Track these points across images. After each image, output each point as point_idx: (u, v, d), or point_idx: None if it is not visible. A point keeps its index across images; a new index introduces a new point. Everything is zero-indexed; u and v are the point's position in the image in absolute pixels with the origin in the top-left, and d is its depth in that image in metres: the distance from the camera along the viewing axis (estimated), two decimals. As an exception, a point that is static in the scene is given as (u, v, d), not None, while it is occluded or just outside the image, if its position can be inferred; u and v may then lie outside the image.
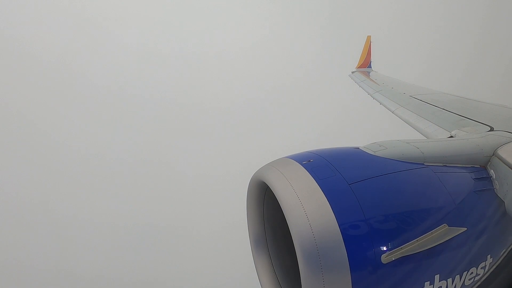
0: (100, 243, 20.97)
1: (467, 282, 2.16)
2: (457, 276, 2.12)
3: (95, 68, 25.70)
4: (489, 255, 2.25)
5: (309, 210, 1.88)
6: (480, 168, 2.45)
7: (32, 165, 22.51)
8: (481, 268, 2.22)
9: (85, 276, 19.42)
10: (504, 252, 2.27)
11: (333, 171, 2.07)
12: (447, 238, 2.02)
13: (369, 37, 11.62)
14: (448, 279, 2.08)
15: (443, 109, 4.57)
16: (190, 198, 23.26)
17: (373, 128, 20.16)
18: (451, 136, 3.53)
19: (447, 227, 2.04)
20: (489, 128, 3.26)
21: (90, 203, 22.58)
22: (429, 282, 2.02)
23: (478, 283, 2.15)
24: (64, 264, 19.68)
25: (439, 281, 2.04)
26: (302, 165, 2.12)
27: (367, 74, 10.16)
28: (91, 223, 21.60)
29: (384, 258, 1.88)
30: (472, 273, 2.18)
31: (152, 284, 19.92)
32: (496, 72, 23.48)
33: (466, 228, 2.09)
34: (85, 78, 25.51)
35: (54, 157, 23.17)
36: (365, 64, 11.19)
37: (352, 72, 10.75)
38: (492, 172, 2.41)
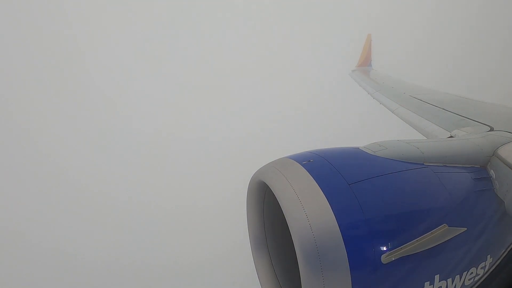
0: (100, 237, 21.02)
1: (467, 282, 2.17)
2: (457, 276, 2.12)
3: (93, 68, 25.82)
4: (489, 255, 2.25)
5: (309, 210, 1.88)
6: (480, 168, 2.44)
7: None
8: (481, 268, 2.22)
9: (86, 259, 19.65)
10: (504, 252, 2.27)
11: (333, 171, 2.07)
12: (447, 238, 2.02)
13: (369, 35, 11.58)
14: (448, 279, 2.08)
15: (443, 109, 4.56)
16: (190, 198, 23.27)
17: (373, 128, 20.17)
18: (451, 136, 3.52)
19: (447, 227, 2.04)
20: (489, 128, 3.25)
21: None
22: (429, 282, 2.02)
23: (478, 283, 2.15)
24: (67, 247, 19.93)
25: (439, 281, 2.04)
26: (302, 165, 2.12)
27: (367, 72, 10.14)
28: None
29: (384, 258, 1.88)
30: (472, 273, 2.18)
31: (151, 283, 19.93)
32: (496, 72, 23.48)
33: (466, 228, 2.10)
34: (83, 79, 25.65)
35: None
36: (366, 62, 11.16)
37: (352, 71, 10.73)
38: (492, 172, 2.41)
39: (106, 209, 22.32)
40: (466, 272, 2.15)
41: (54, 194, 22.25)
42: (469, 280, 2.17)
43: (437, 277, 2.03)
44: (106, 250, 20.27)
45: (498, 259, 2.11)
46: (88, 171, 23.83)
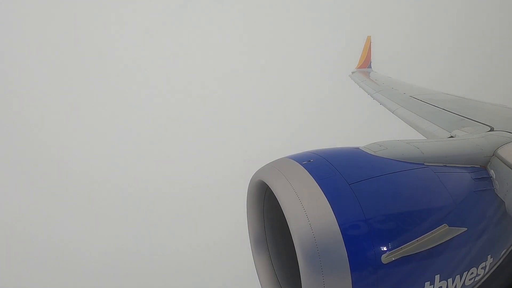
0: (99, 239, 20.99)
1: (467, 282, 2.16)
2: (458, 276, 2.12)
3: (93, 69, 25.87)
4: (490, 255, 2.25)
5: (309, 210, 1.88)
6: (480, 168, 2.44)
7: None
8: (481, 268, 2.21)
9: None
10: (504, 252, 2.27)
11: (333, 171, 2.07)
12: (447, 238, 2.02)
13: (369, 37, 11.61)
14: (448, 279, 2.07)
15: (443, 109, 4.56)
16: (190, 198, 23.26)
17: (373, 128, 20.16)
18: (451, 136, 3.52)
19: (447, 227, 2.04)
20: (489, 128, 3.25)
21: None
22: (429, 282, 2.01)
23: (479, 283, 2.15)
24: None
25: (440, 281, 2.04)
26: (302, 165, 2.12)
27: (367, 74, 10.15)
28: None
29: (384, 258, 1.87)
30: (472, 273, 2.18)
31: (151, 283, 19.91)
32: (496, 72, 23.49)
33: (466, 228, 2.09)
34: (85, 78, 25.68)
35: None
36: (365, 64, 11.19)
37: (352, 72, 10.75)
38: (492, 172, 2.41)
39: (106, 202, 22.39)
40: (466, 272, 2.15)
41: (54, 189, 22.33)
42: (469, 280, 2.17)
43: (437, 277, 2.03)
44: (104, 244, 20.30)
45: (499, 259, 2.11)
46: (88, 166, 23.91)
